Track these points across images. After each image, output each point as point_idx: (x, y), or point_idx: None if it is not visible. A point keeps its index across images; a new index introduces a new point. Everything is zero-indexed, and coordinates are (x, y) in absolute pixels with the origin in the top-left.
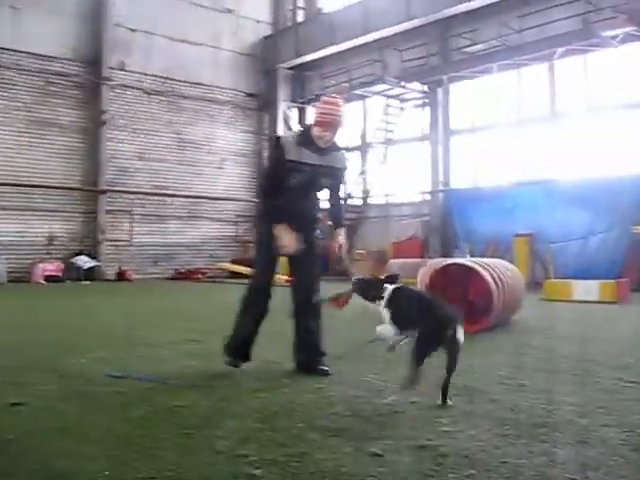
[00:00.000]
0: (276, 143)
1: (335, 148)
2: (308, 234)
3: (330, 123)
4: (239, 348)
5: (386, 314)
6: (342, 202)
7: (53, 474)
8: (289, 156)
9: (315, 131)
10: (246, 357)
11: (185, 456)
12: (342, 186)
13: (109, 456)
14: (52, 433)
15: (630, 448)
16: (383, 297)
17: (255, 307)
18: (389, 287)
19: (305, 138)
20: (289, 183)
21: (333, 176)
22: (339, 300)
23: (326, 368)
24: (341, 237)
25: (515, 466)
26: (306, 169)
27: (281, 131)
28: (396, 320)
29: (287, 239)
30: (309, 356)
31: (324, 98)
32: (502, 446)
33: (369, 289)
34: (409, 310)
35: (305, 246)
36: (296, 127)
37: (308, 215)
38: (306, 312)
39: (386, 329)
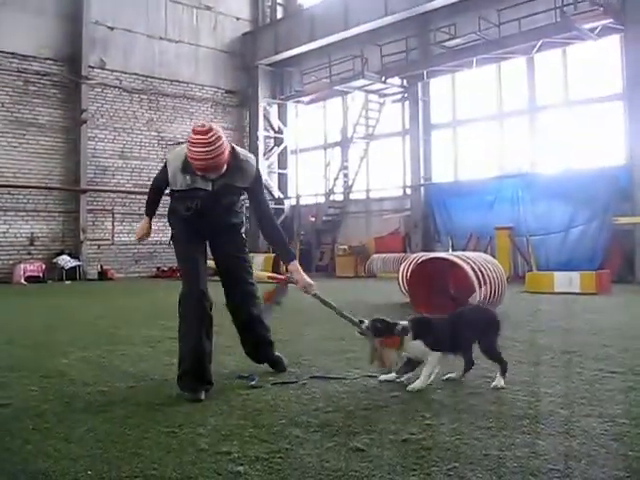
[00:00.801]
0: (163, 167)
1: (235, 167)
2: (224, 245)
3: (204, 169)
4: (194, 374)
5: (420, 345)
6: (274, 223)
7: (35, 474)
8: (175, 186)
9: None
10: (206, 381)
11: (168, 454)
12: (265, 201)
13: (92, 455)
14: (34, 433)
15: (611, 438)
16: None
17: (193, 317)
18: (401, 323)
19: (190, 167)
20: (180, 213)
21: (237, 193)
22: (270, 294)
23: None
24: (298, 273)
25: (498, 458)
26: (200, 194)
27: (178, 148)
28: (436, 344)
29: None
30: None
31: (190, 136)
32: (485, 439)
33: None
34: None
35: (227, 257)
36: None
37: (218, 225)
38: (251, 327)
39: (434, 358)
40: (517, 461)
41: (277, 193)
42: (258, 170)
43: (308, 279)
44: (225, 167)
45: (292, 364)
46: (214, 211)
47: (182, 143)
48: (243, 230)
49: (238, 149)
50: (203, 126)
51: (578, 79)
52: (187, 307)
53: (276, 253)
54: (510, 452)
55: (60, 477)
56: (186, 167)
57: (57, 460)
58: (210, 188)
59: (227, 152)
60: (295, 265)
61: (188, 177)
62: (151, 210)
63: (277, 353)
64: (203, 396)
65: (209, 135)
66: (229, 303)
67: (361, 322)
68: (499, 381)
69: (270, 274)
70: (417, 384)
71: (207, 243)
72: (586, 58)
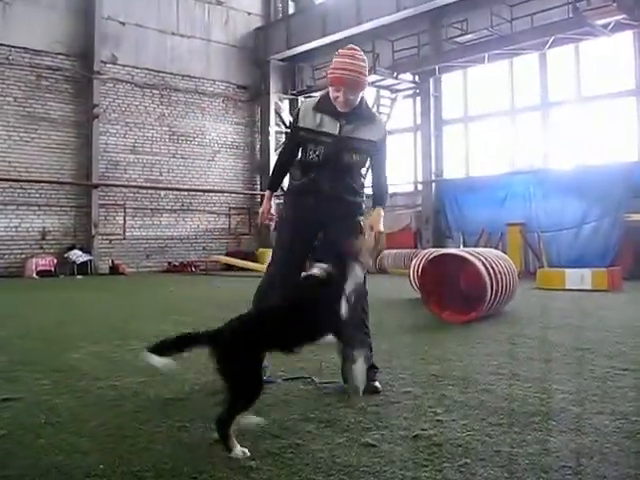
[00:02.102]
0: (297, 110)
1: (366, 115)
2: (339, 223)
3: (341, 80)
4: None
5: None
6: (384, 182)
7: (47, 468)
8: (303, 123)
9: (330, 92)
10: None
11: (180, 449)
12: (384, 160)
13: (103, 450)
14: (46, 428)
15: (623, 435)
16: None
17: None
18: None
19: (326, 102)
20: (306, 159)
21: (364, 151)
22: None
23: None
24: (377, 218)
25: (509, 455)
26: (325, 140)
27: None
28: None
29: (264, 206)
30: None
31: (339, 50)
32: (496, 435)
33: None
34: None
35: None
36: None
37: (336, 197)
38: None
39: None
40: (528, 458)
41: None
42: (386, 132)
43: (380, 225)
44: (357, 100)
45: (303, 359)
46: (336, 165)
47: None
48: (362, 217)
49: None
50: (353, 46)
51: (591, 75)
52: (264, 291)
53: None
54: (521, 449)
55: (72, 471)
56: (320, 106)
57: (69, 454)
58: (337, 132)
59: (366, 82)
60: (379, 210)
61: (319, 116)
62: (276, 181)
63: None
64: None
65: (358, 52)
66: None
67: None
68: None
69: None
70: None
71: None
72: (599, 54)
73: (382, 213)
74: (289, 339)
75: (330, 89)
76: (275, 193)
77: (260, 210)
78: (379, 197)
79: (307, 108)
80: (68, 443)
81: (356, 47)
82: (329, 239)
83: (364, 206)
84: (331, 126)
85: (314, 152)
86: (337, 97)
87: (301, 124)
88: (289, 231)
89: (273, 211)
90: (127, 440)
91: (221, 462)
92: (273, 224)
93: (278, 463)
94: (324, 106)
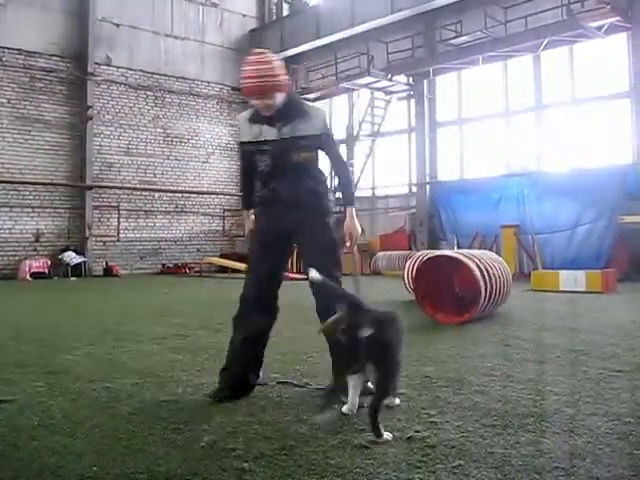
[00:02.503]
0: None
1: (300, 112)
2: (310, 226)
3: (249, 90)
4: (228, 377)
5: None
6: (345, 174)
7: (41, 470)
8: (244, 138)
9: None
10: (233, 391)
11: (173, 451)
12: (336, 151)
13: (97, 452)
14: (39, 430)
15: (616, 437)
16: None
17: (249, 324)
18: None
19: (258, 111)
20: (260, 171)
21: (310, 147)
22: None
23: None
24: (351, 222)
25: (503, 456)
26: (268, 148)
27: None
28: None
29: (247, 226)
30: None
31: (246, 58)
32: (489, 436)
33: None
34: None
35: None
36: None
37: (298, 202)
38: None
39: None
40: (522, 459)
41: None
42: (327, 119)
43: (358, 227)
44: (278, 100)
45: (297, 362)
46: (287, 169)
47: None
48: (331, 218)
49: (305, 101)
50: (259, 49)
51: (585, 77)
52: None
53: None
54: (515, 450)
55: (66, 473)
56: (253, 117)
57: (63, 456)
58: (276, 136)
59: (280, 82)
60: (350, 211)
61: (256, 127)
62: (246, 199)
63: None
64: (221, 400)
65: (263, 55)
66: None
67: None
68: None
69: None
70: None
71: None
72: (593, 56)
73: (354, 213)
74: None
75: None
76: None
77: (245, 232)
78: (345, 194)
79: (243, 122)
80: (62, 445)
81: (263, 50)
82: (307, 242)
83: (331, 203)
84: (269, 132)
85: (263, 162)
86: (257, 104)
87: (242, 139)
88: (259, 241)
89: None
90: (121, 442)
91: (215, 464)
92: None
93: (271, 465)
94: (257, 116)
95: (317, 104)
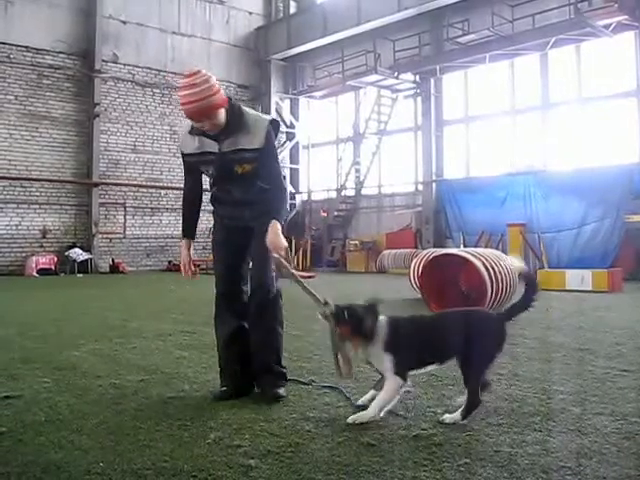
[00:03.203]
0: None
1: (242, 125)
2: (259, 224)
3: (190, 114)
4: (227, 377)
5: (387, 361)
6: (276, 190)
7: (47, 466)
8: (185, 150)
9: None
10: (233, 390)
11: (180, 447)
12: (271, 166)
13: (103, 447)
14: (46, 425)
15: (623, 436)
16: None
17: (222, 323)
18: (382, 319)
19: (196, 128)
20: (209, 178)
21: (251, 160)
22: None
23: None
24: (273, 236)
25: (509, 455)
26: (210, 158)
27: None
28: (405, 363)
29: (183, 258)
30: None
31: (179, 81)
32: (496, 435)
33: (361, 321)
34: (427, 343)
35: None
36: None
37: (250, 200)
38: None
39: (390, 393)
40: (528, 458)
41: (289, 188)
42: (270, 132)
43: (282, 241)
44: (222, 117)
45: (303, 359)
46: (232, 178)
47: None
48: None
49: (249, 110)
50: (191, 70)
51: (592, 76)
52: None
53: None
54: (521, 449)
55: (72, 468)
56: (194, 130)
57: (69, 451)
58: (217, 149)
59: (220, 98)
60: (273, 225)
61: (197, 139)
62: (188, 225)
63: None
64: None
65: (196, 76)
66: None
67: (326, 303)
68: (453, 416)
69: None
70: (363, 415)
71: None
72: (600, 55)
73: (278, 228)
74: None
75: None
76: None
77: (181, 263)
78: (271, 209)
79: (184, 135)
80: (68, 441)
81: (194, 70)
82: (255, 243)
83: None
84: (210, 145)
85: (208, 171)
86: (202, 126)
87: (184, 151)
88: (218, 239)
89: (192, 262)
90: (127, 438)
91: (221, 461)
92: (198, 277)
93: (277, 462)
94: (197, 129)
95: (261, 114)
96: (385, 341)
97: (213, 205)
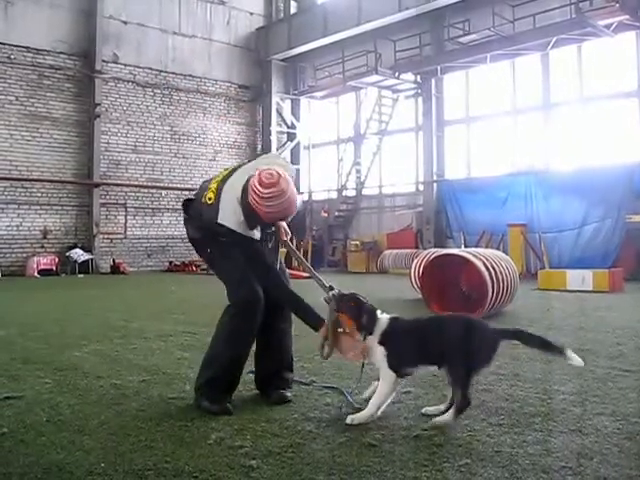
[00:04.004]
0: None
1: None
2: None
3: (281, 219)
4: (227, 385)
5: (380, 353)
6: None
7: (49, 466)
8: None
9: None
10: (230, 393)
11: (181, 447)
12: None
13: (105, 448)
14: (47, 426)
15: (624, 437)
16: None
17: (250, 327)
18: (383, 317)
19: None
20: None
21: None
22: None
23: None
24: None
25: (509, 455)
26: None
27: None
28: (399, 360)
29: None
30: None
31: (257, 188)
32: (496, 435)
33: (361, 310)
34: (424, 343)
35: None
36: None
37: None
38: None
39: (385, 389)
40: (529, 458)
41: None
42: None
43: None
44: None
45: (304, 359)
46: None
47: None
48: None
49: None
50: (271, 176)
51: (593, 76)
52: (245, 313)
53: None
54: (522, 449)
55: (74, 469)
56: (249, 217)
57: (71, 452)
58: (258, 237)
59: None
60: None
61: (246, 225)
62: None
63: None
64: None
65: (280, 184)
66: None
67: (331, 288)
68: (444, 417)
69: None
70: (361, 415)
71: None
72: (601, 55)
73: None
74: None
75: (266, 218)
76: None
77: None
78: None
79: (236, 211)
80: (70, 441)
81: (274, 176)
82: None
83: None
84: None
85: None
86: (275, 221)
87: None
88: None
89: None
90: (129, 439)
91: (222, 461)
92: None
93: (279, 462)
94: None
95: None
96: (381, 334)
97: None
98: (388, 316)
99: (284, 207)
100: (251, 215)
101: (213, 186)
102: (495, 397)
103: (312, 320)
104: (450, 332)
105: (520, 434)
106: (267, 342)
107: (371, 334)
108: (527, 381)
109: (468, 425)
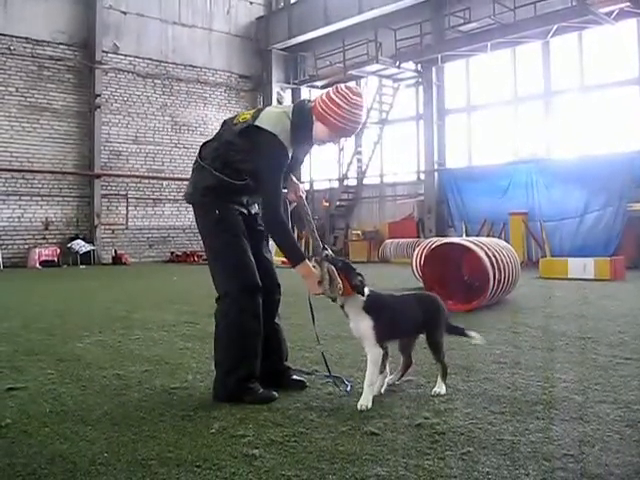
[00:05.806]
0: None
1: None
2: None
3: (352, 132)
4: (253, 375)
5: (367, 323)
6: None
7: (52, 457)
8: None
9: (320, 133)
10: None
11: (184, 437)
12: None
13: (108, 438)
14: (51, 416)
15: (625, 424)
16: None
17: (255, 315)
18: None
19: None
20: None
21: None
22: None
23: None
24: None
25: (511, 443)
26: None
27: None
28: (384, 330)
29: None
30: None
31: (345, 93)
32: (498, 423)
33: (352, 270)
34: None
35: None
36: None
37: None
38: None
39: (373, 364)
40: (531, 446)
41: None
42: None
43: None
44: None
45: (306, 349)
46: None
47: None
48: None
49: None
50: (355, 87)
51: (594, 64)
52: (248, 300)
53: None
54: (524, 437)
55: (77, 459)
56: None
57: (74, 442)
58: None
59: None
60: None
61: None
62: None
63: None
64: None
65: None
66: None
67: (324, 248)
68: (440, 387)
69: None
70: (364, 399)
71: None
72: (602, 42)
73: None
74: None
75: (325, 132)
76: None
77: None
78: None
79: (285, 140)
80: (73, 432)
81: (359, 88)
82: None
83: None
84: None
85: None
86: (332, 141)
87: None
88: (240, 229)
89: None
90: (131, 429)
91: (225, 450)
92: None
93: (281, 451)
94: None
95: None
96: (366, 303)
97: (238, 193)
98: (370, 288)
99: (359, 121)
100: (301, 130)
101: (245, 115)
102: (497, 385)
103: (294, 257)
104: (431, 305)
105: (522, 422)
106: (267, 338)
107: (362, 294)
108: (528, 369)
109: (470, 413)
